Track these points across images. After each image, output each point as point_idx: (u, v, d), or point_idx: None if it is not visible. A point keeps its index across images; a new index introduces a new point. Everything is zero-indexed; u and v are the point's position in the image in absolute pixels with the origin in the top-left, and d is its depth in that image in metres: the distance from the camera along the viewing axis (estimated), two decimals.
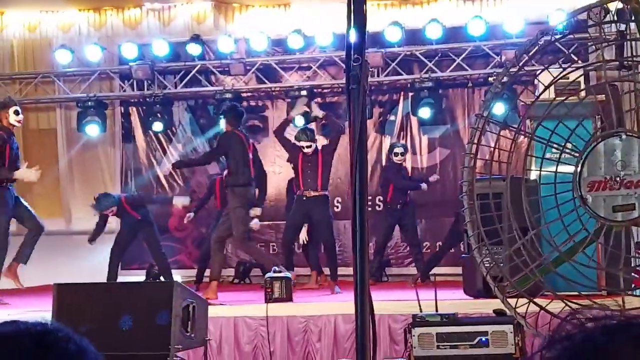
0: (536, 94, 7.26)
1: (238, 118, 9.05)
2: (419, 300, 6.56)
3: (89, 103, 12.07)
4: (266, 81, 12.06)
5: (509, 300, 6.05)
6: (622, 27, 8.24)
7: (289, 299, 8.13)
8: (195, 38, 11.81)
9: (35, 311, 7.57)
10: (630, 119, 6.39)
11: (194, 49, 11.84)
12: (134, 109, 12.59)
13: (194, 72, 12.03)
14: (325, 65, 11.93)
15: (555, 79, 5.88)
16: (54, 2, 12.31)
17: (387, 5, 11.80)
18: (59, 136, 12.67)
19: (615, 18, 7.11)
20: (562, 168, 5.90)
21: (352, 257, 2.36)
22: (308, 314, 7.66)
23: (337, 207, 11.62)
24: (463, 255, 8.53)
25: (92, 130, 12.05)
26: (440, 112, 11.41)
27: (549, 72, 5.87)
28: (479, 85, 11.62)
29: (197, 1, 12.26)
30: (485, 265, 6.42)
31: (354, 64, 2.37)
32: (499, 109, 9.20)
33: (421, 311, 6.50)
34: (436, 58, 11.41)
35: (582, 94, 7.05)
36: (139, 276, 10.99)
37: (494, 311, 6.49)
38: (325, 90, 12.17)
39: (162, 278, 9.84)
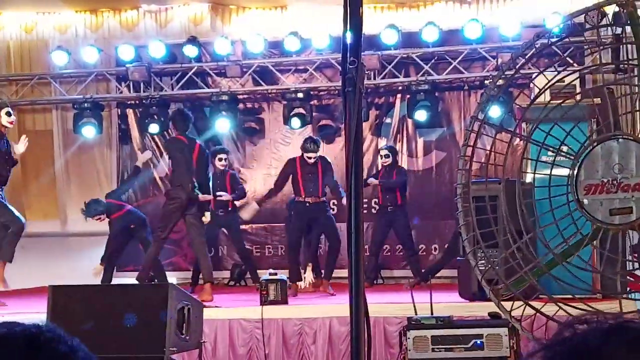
0: (532, 97, 7.27)
1: (184, 122, 9.22)
2: (414, 303, 6.57)
3: (85, 104, 12.06)
4: (263, 83, 12.06)
5: (503, 303, 6.05)
6: (619, 30, 8.28)
7: (284, 301, 8.12)
8: (192, 40, 11.80)
9: (31, 313, 7.56)
10: (626, 122, 6.39)
11: (190, 51, 11.84)
12: (131, 110, 12.58)
13: (190, 73, 12.02)
14: (322, 67, 11.93)
15: (552, 82, 5.89)
16: (50, 3, 12.29)
17: (383, 8, 11.80)
18: (55, 137, 12.65)
19: (612, 21, 7.13)
20: (557, 171, 5.90)
21: (347, 259, 2.36)
22: (303, 316, 7.66)
23: (333, 210, 11.62)
24: (458, 258, 8.53)
25: (89, 131, 12.04)
26: (437, 115, 11.41)
27: (544, 75, 5.86)
28: (475, 88, 11.63)
29: (193, 3, 12.25)
30: (480, 268, 6.42)
31: (350, 66, 2.37)
32: (495, 112, 9.21)
33: (416, 314, 6.50)
34: (432, 61, 11.42)
35: (578, 97, 7.05)
36: (133, 278, 10.96)
37: (489, 314, 6.51)
38: (322, 93, 12.17)
39: (156, 280, 9.82)
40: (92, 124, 12.01)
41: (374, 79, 11.45)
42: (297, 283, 9.56)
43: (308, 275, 10.16)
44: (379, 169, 10.92)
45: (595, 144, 5.86)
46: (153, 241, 9.27)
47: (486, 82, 10.81)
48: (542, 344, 1.15)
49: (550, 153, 6.01)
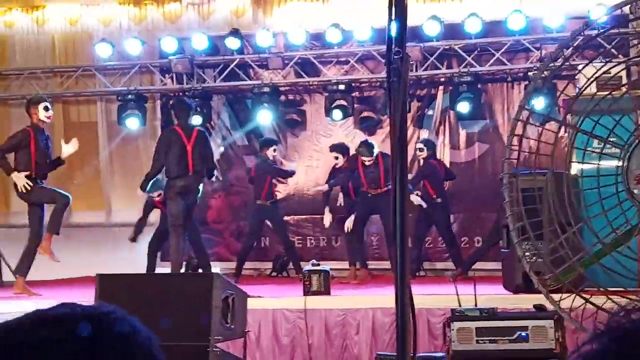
0: (577, 88, 7.19)
1: (184, 111, 9.47)
2: (458, 295, 6.54)
3: (129, 96, 12.16)
4: (304, 75, 12.07)
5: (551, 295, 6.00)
6: None
7: (326, 292, 8.14)
8: (234, 32, 11.84)
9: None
10: None
11: (232, 43, 11.88)
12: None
13: (232, 66, 12.07)
14: (364, 59, 11.91)
15: (599, 73, 5.83)
16: None
17: None
18: (99, 129, 12.79)
19: None
20: (604, 162, 5.85)
21: (388, 251, 2.36)
22: (346, 307, 7.68)
23: None
24: (502, 250, 8.48)
25: (132, 123, 12.15)
26: (479, 106, 11.33)
27: (593, 65, 5.80)
28: (518, 79, 11.52)
29: None
30: (527, 259, 6.37)
31: (395, 57, 2.36)
32: (539, 103, 9.13)
33: (460, 306, 6.48)
34: (475, 52, 11.34)
35: (624, 88, 6.97)
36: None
37: (534, 306, 6.46)
38: (363, 85, 12.15)
39: (200, 270, 9.91)
40: (136, 116, 12.11)
41: (416, 70, 11.39)
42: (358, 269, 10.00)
43: (351, 275, 10.19)
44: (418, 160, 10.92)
45: None
46: (171, 232, 9.37)
47: (530, 73, 10.73)
48: (596, 332, 1.14)
49: (597, 144, 5.95)
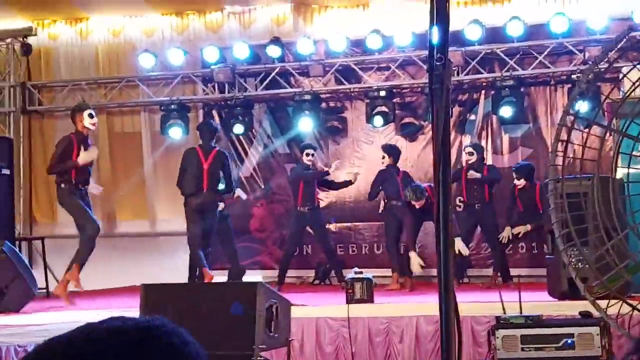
0: (621, 91, 7.09)
1: (209, 133, 9.85)
2: (502, 302, 6.47)
3: (172, 106, 12.26)
4: (345, 82, 12.07)
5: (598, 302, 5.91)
6: None
7: (370, 300, 8.11)
8: (275, 40, 11.89)
9: (114, 311, 7.69)
10: None
11: (273, 51, 11.93)
12: (216, 111, 12.73)
13: (273, 74, 12.11)
14: (404, 65, 11.87)
15: None
16: (137, 7, 12.55)
17: (467, 3, 11.69)
18: (143, 139, 12.91)
19: None
20: None
21: (432, 257, 2.34)
22: (389, 314, 7.64)
23: None
24: (547, 256, 8.37)
25: (175, 133, 12.23)
26: (522, 110, 11.23)
27: (638, 69, 5.72)
28: (561, 83, 11.40)
29: (276, 3, 12.34)
30: (573, 266, 6.29)
31: (437, 63, 2.33)
32: (583, 107, 9.01)
33: (505, 313, 6.41)
34: (517, 56, 11.25)
35: None
36: (221, 277, 11.11)
37: (580, 313, 6.37)
38: (405, 90, 12.11)
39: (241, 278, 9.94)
40: (179, 125, 12.20)
41: (458, 75, 11.32)
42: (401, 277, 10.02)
43: (393, 282, 10.14)
44: (463, 166, 10.80)
45: None
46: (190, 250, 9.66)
47: (574, 76, 10.61)
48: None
49: None
